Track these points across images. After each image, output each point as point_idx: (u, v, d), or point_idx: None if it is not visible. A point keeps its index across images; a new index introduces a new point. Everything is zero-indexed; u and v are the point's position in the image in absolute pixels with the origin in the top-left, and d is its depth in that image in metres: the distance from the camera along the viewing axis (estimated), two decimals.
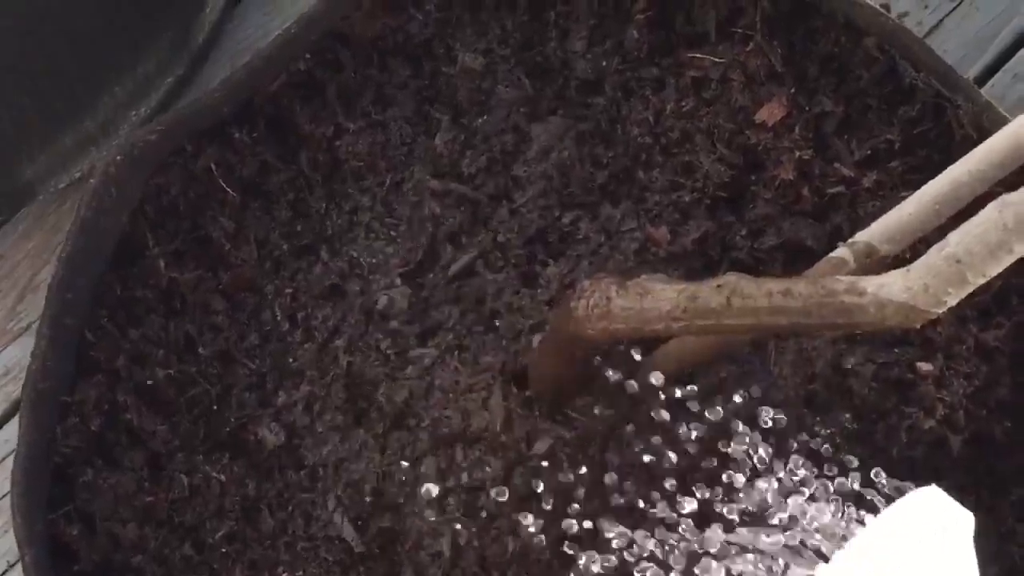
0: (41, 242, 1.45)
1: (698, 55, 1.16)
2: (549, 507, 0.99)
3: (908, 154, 1.12)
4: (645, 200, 1.14)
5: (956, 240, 0.75)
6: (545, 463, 1.02)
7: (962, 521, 0.81)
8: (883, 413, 1.07)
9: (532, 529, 0.99)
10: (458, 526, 1.04)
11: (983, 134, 1.05)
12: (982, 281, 0.75)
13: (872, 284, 0.78)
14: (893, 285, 0.77)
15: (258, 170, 1.17)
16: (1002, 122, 1.05)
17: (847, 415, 1.06)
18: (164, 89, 1.44)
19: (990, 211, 0.74)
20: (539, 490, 1.00)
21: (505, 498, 1.02)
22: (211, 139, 1.15)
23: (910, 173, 1.11)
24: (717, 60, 1.15)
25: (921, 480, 1.04)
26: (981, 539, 1.02)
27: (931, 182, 0.86)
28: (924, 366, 1.07)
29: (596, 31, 1.18)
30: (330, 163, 1.18)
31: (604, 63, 1.17)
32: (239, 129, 1.16)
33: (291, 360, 1.13)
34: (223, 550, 1.08)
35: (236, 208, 1.16)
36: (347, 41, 1.18)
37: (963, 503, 1.04)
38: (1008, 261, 0.74)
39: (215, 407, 1.11)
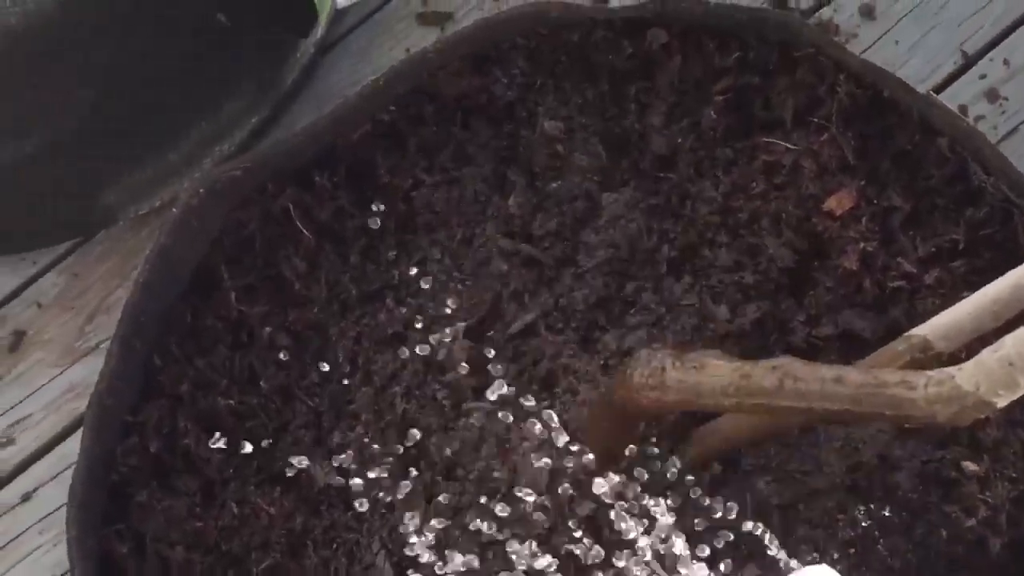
0: (116, 266, 1.47)
1: (773, 140, 1.18)
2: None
3: (972, 255, 1.13)
4: (708, 277, 1.16)
5: (1011, 343, 0.76)
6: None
7: None
8: (925, 508, 1.08)
9: None
10: None
11: None
12: None
13: (924, 379, 0.79)
14: (945, 382, 0.78)
15: (334, 214, 1.19)
16: None
17: (888, 507, 1.07)
18: (248, 128, 1.47)
19: None
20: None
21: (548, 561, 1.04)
22: (292, 180, 1.19)
23: (972, 274, 1.12)
24: (791, 147, 1.18)
25: None
26: None
27: (992, 284, 0.88)
28: (970, 466, 1.08)
29: (675, 109, 1.21)
30: (404, 214, 1.20)
31: (679, 140, 1.20)
32: (320, 173, 1.19)
33: (348, 402, 1.15)
34: None
35: (310, 249, 1.18)
36: (432, 97, 1.21)
37: None
38: None
39: (271, 440, 1.14)
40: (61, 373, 1.43)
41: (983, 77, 1.46)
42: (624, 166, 1.20)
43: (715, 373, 0.88)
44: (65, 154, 1.38)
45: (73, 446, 1.38)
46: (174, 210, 1.12)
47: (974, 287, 1.07)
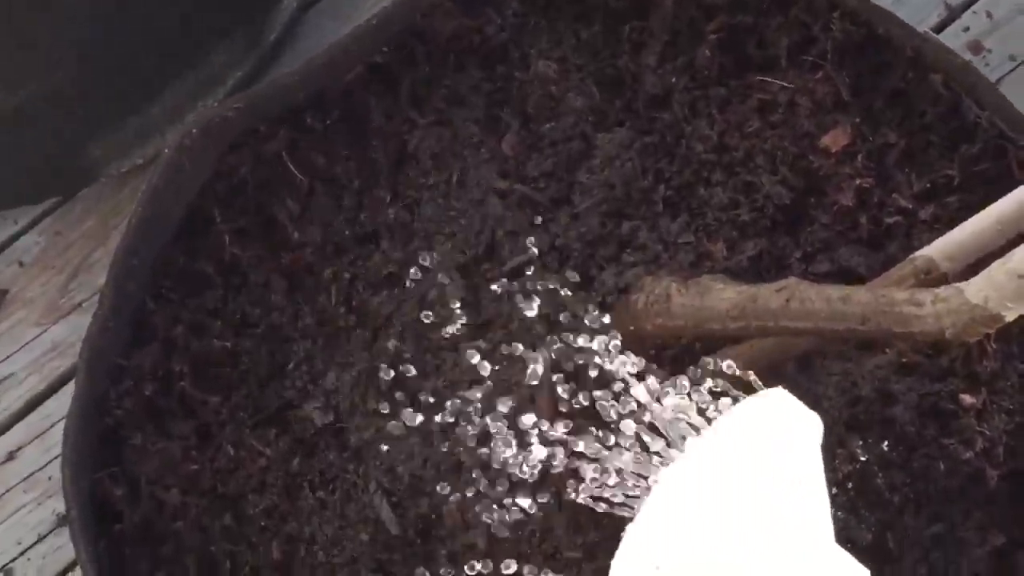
0: (98, 224, 1.47)
1: (767, 79, 1.18)
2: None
3: (966, 191, 1.13)
4: (704, 215, 1.15)
5: (1020, 256, 0.76)
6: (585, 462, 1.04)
7: (810, 424, 0.81)
8: (923, 442, 1.08)
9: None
10: (492, 519, 1.05)
11: None
12: None
13: (931, 295, 0.80)
14: (952, 297, 0.79)
15: (327, 157, 1.19)
16: None
17: (886, 441, 1.08)
18: (232, 83, 1.47)
19: None
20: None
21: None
22: (285, 123, 1.18)
23: (966, 210, 1.11)
24: (786, 85, 1.17)
25: (957, 510, 1.06)
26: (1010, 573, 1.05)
27: (996, 203, 0.88)
28: (967, 398, 1.08)
29: (668, 48, 1.20)
30: (398, 155, 1.20)
31: (674, 79, 1.19)
32: (313, 116, 1.19)
33: (344, 343, 1.14)
34: (262, 523, 1.10)
35: (303, 192, 1.18)
36: (424, 39, 1.20)
37: (995, 538, 1.06)
38: None
39: (266, 383, 1.13)
40: (44, 332, 1.43)
41: (966, 30, 1.47)
42: (618, 106, 1.20)
43: (721, 296, 0.88)
44: (49, 109, 1.37)
45: (56, 405, 1.39)
46: (166, 151, 1.12)
47: None
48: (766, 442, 0.79)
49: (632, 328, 0.93)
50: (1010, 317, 0.78)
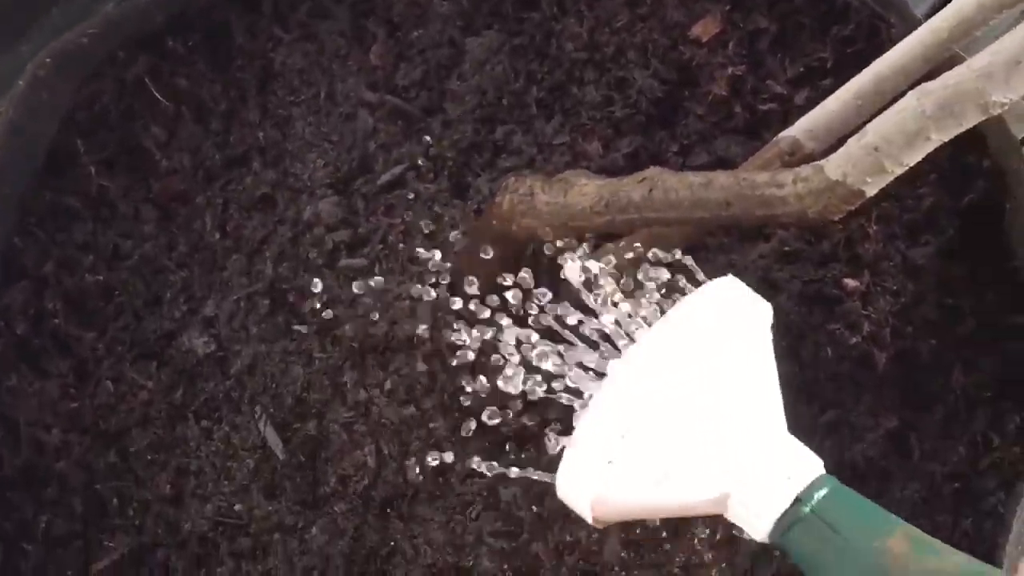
0: None
1: None
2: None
3: (841, 73, 1.11)
4: (578, 115, 1.13)
5: (874, 129, 0.75)
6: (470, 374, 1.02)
7: (761, 310, 0.80)
8: (810, 329, 1.07)
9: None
10: (381, 435, 1.04)
11: None
12: (900, 171, 0.76)
13: (791, 175, 0.78)
14: (812, 176, 0.77)
15: (191, 80, 1.16)
16: None
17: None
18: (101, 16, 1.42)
19: (908, 99, 0.75)
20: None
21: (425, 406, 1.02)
22: (144, 48, 1.15)
23: None
24: None
25: (848, 395, 1.06)
26: (904, 455, 1.04)
27: (854, 78, 0.87)
28: (851, 282, 1.07)
29: None
30: (264, 74, 1.17)
31: None
32: (173, 39, 1.16)
33: (220, 270, 1.12)
34: (148, 457, 1.08)
35: (169, 118, 1.15)
36: None
37: (887, 420, 1.05)
38: (926, 149, 0.75)
39: (143, 315, 1.11)
40: None
41: None
42: (486, 10, 1.17)
43: (584, 192, 0.86)
44: None
45: None
46: (19, 83, 1.08)
47: None
48: (718, 328, 0.78)
49: (499, 230, 0.91)
50: (870, 192, 0.76)
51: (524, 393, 0.87)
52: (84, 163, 1.13)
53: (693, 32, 1.14)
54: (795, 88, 1.12)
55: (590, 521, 0.79)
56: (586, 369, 0.85)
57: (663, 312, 0.82)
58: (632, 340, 0.83)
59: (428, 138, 1.13)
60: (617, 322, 0.84)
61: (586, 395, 0.84)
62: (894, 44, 1.08)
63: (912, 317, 1.08)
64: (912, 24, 1.08)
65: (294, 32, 1.17)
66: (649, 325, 0.83)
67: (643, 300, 0.84)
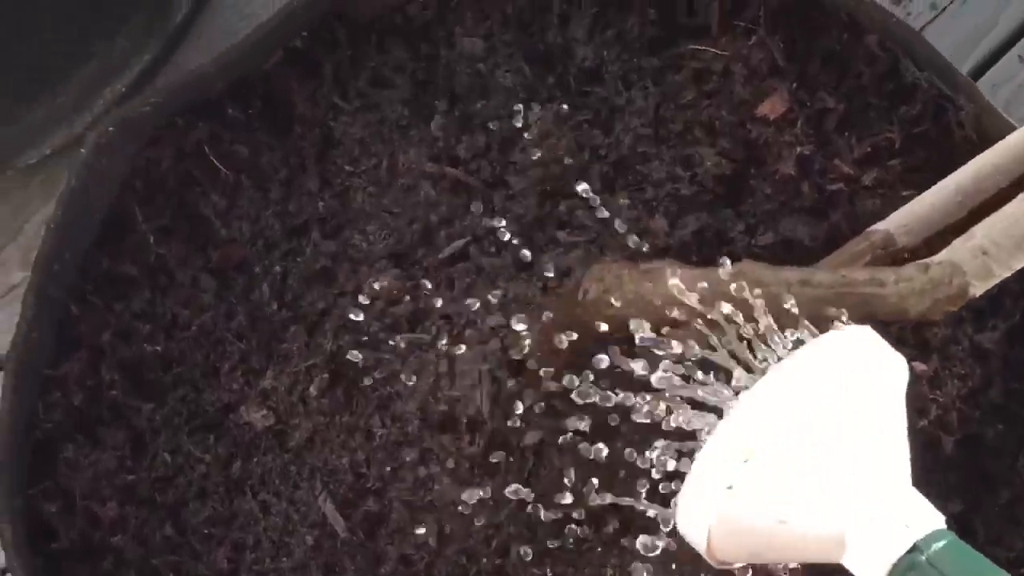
0: (8, 217, 1.44)
1: (700, 47, 1.16)
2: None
3: (908, 153, 1.11)
4: (643, 191, 1.13)
5: (982, 232, 0.75)
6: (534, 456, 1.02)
7: (896, 363, 0.79)
8: None
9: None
10: (443, 514, 1.03)
11: (983, 136, 1.06)
12: (1007, 274, 0.76)
13: (893, 275, 0.78)
14: (917, 277, 0.77)
15: (251, 148, 1.15)
16: (1002, 125, 1.05)
17: None
18: (139, 68, 1.43)
19: (1019, 203, 0.75)
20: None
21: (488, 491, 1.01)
22: (204, 115, 1.14)
23: (909, 172, 1.11)
24: (719, 53, 1.15)
25: (913, 479, 1.05)
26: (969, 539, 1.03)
27: (954, 174, 0.86)
28: (919, 366, 1.07)
29: (598, 19, 1.17)
30: (324, 143, 1.16)
31: (605, 52, 1.17)
32: (233, 105, 1.15)
33: (279, 341, 1.11)
34: (205, 531, 1.07)
35: (228, 185, 1.14)
36: (345, 20, 1.17)
37: (953, 504, 1.04)
38: None
39: (201, 387, 1.10)
40: None
41: None
42: (550, 82, 1.17)
43: (674, 283, 0.85)
44: None
45: None
46: (82, 151, 1.08)
47: (913, 186, 1.07)
48: (851, 372, 0.76)
49: (581, 316, 0.90)
50: (975, 294, 0.76)
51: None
52: (142, 230, 1.12)
53: (760, 110, 1.13)
54: (862, 168, 1.11)
55: (707, 556, 0.78)
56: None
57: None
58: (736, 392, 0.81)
59: (491, 211, 1.12)
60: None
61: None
62: (961, 126, 1.09)
63: (979, 401, 1.07)
64: (978, 105, 1.08)
65: (355, 101, 1.16)
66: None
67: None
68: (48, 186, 1.44)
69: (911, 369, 1.06)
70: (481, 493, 1.02)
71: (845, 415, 0.76)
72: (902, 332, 1.08)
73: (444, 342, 1.07)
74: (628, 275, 0.87)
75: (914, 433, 1.04)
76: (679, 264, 0.87)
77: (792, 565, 0.92)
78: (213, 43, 1.47)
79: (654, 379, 0.83)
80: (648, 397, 0.84)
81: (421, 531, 1.03)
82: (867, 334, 0.78)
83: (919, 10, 1.45)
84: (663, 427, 0.84)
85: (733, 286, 0.82)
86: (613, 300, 0.88)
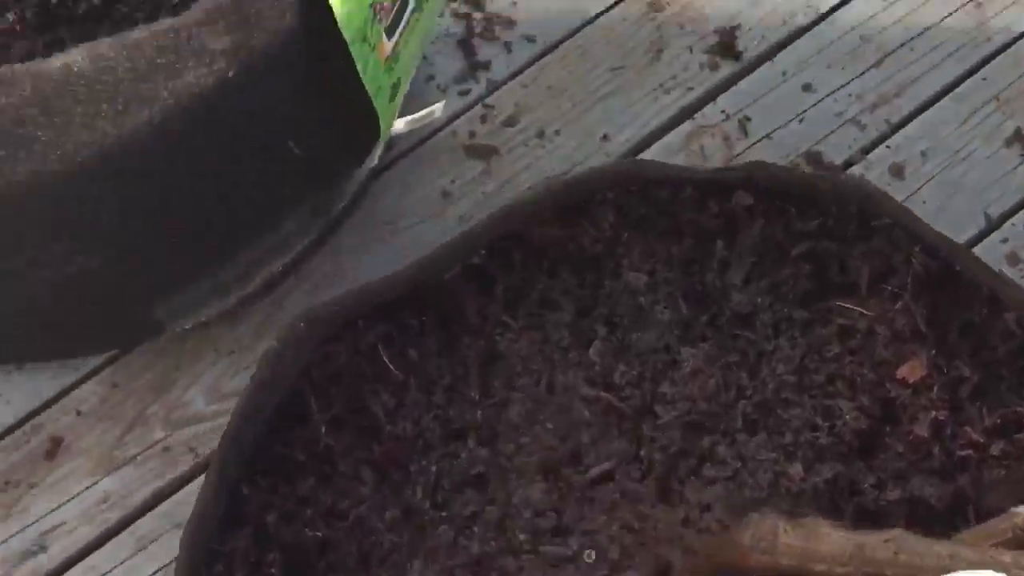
0: (156, 379, 1.50)
1: (848, 305, 1.23)
2: None
3: None
4: (783, 435, 1.19)
5: None
6: None
7: None
8: None
9: None
10: None
11: None
12: None
13: None
14: None
15: (421, 353, 1.23)
16: None
17: None
18: (299, 249, 1.51)
19: None
20: None
21: None
22: (382, 318, 1.22)
23: None
24: (865, 312, 1.22)
25: None
26: None
27: None
28: None
29: (755, 268, 1.25)
30: (489, 355, 1.24)
31: (759, 299, 1.24)
32: (409, 312, 1.23)
33: (428, 540, 1.17)
34: None
35: (397, 385, 1.21)
36: (522, 243, 1.25)
37: None
38: None
39: (352, 574, 1.15)
40: (96, 483, 1.45)
41: (1005, 241, 1.53)
42: (704, 321, 1.24)
43: (829, 541, 0.92)
44: (119, 269, 1.39)
45: (101, 558, 1.41)
46: (274, 343, 1.15)
47: None
48: None
49: (735, 562, 0.96)
50: None
51: None
52: (315, 420, 1.19)
53: (900, 372, 1.20)
54: (991, 438, 1.17)
55: None
56: None
57: None
58: None
59: (638, 438, 1.19)
60: None
61: None
62: None
63: None
64: None
65: (521, 320, 1.24)
66: None
67: None
68: (195, 352, 1.51)
69: None
70: None
71: None
72: None
73: (584, 558, 1.13)
74: (784, 528, 0.93)
75: None
76: (833, 523, 0.93)
77: None
78: (366, 232, 1.57)
79: None
80: None
81: None
82: None
83: None
84: None
85: (884, 552, 0.88)
86: (765, 548, 0.94)
